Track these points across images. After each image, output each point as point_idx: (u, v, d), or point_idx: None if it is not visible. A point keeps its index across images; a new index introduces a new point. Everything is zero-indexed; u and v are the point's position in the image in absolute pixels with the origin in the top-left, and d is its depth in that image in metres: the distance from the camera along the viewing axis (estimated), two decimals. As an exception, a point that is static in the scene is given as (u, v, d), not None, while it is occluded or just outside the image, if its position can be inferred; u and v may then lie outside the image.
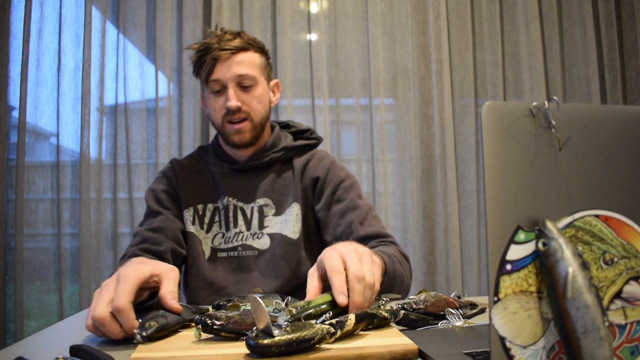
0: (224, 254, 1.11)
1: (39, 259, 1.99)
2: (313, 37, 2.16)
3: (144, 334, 0.60)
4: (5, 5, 1.94)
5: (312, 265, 1.10)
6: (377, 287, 0.72)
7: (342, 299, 0.67)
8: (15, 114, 1.96)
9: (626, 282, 0.45)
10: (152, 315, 0.64)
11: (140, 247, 1.02)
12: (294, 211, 1.11)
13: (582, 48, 2.24)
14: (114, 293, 0.65)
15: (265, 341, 0.52)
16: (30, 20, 1.95)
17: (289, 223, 1.11)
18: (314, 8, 2.17)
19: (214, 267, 1.10)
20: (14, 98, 1.97)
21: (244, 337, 0.60)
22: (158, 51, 2.06)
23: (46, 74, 2.00)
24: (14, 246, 1.91)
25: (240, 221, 1.11)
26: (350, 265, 0.70)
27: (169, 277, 0.72)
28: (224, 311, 0.62)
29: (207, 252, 1.11)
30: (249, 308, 0.66)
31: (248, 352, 0.55)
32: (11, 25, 1.96)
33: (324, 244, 1.14)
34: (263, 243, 1.10)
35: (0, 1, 1.93)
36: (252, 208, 1.12)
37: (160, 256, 1.02)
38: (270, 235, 1.11)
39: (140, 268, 0.70)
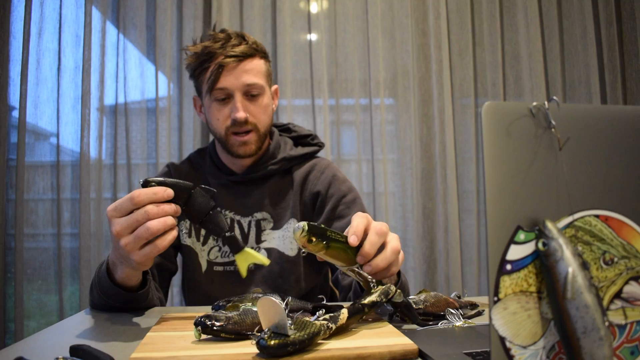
0: (220, 268, 1.08)
1: (39, 259, 1.99)
2: (313, 37, 2.16)
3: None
4: (5, 5, 1.94)
5: (313, 280, 1.11)
6: (400, 258, 0.72)
7: (352, 239, 0.67)
8: (15, 114, 1.96)
9: (626, 282, 0.45)
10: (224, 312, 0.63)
11: None
12: (292, 227, 1.08)
13: (582, 48, 2.24)
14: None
15: (281, 340, 0.52)
16: (30, 20, 1.95)
17: (286, 240, 1.07)
18: (314, 8, 2.17)
19: (211, 280, 1.07)
20: (14, 98, 1.97)
21: (248, 338, 0.60)
22: (158, 51, 2.06)
23: (46, 74, 2.01)
24: (14, 246, 1.91)
25: (237, 236, 1.07)
26: (373, 224, 0.70)
27: None
28: (223, 312, 0.62)
29: (204, 266, 1.08)
30: (249, 308, 0.66)
31: (248, 351, 0.55)
32: (11, 25, 1.96)
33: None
34: None
35: (0, 1, 1.93)
36: (250, 222, 1.09)
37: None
38: (268, 250, 1.08)
39: None
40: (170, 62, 2.07)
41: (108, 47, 2.05)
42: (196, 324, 0.59)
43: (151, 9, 2.08)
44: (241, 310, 0.63)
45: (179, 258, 1.15)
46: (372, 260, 0.68)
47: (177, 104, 2.09)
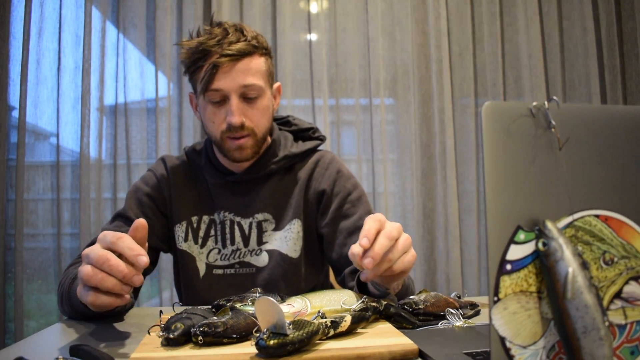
0: (220, 271, 1.04)
1: (39, 259, 1.99)
2: (313, 37, 2.16)
3: (171, 335, 0.58)
4: (5, 5, 1.94)
5: (313, 280, 1.08)
6: (407, 263, 0.71)
7: (364, 241, 0.66)
8: (15, 114, 1.96)
9: (626, 282, 0.45)
10: (175, 317, 0.62)
11: None
12: (295, 228, 1.04)
13: (582, 48, 2.24)
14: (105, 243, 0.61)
15: (280, 340, 0.52)
16: (30, 20, 1.95)
17: (289, 241, 1.03)
18: (314, 8, 2.17)
19: (210, 285, 1.03)
20: (14, 98, 1.97)
21: (247, 339, 0.60)
22: (158, 51, 2.06)
23: (46, 74, 2.01)
24: (14, 246, 1.91)
25: (238, 238, 1.04)
26: (386, 226, 0.69)
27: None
28: (215, 318, 0.61)
29: (202, 270, 1.04)
30: (238, 309, 0.65)
31: (248, 351, 0.55)
32: (11, 25, 1.96)
33: (325, 260, 1.11)
34: (261, 260, 1.03)
35: (0, 1, 1.93)
36: (251, 223, 1.04)
37: None
38: (269, 252, 1.03)
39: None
40: (170, 62, 2.07)
41: (108, 47, 2.05)
42: (195, 335, 0.58)
43: (151, 9, 2.08)
44: (231, 314, 0.63)
45: (168, 259, 1.12)
46: (374, 254, 0.67)
47: (177, 104, 2.09)
